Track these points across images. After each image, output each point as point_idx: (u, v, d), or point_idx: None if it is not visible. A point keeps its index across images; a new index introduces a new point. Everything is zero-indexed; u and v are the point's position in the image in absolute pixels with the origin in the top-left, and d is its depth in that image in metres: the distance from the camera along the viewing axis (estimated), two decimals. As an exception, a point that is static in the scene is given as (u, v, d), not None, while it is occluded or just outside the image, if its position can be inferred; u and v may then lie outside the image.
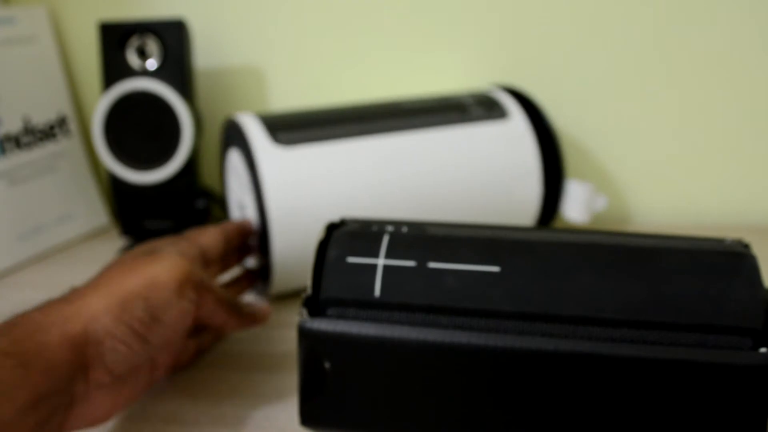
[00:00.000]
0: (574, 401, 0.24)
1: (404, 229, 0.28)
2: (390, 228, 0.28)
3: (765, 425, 0.24)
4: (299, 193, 0.46)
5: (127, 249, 0.61)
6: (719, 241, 0.27)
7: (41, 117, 0.64)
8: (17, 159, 0.61)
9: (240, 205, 0.53)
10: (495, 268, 0.26)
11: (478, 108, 0.52)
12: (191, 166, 0.59)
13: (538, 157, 0.51)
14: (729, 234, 0.32)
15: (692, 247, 0.26)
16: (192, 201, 0.60)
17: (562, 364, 0.24)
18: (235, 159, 0.52)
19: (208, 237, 0.42)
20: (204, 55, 0.66)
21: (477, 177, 0.50)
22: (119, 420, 0.37)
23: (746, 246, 0.27)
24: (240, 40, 0.66)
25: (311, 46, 0.65)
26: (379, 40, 0.64)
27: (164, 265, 0.33)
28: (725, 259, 0.25)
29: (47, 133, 0.64)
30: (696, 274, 0.25)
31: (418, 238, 0.27)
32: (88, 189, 0.68)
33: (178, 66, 0.58)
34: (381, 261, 0.27)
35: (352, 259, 0.27)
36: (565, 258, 0.26)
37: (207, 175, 0.69)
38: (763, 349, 0.24)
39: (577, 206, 0.53)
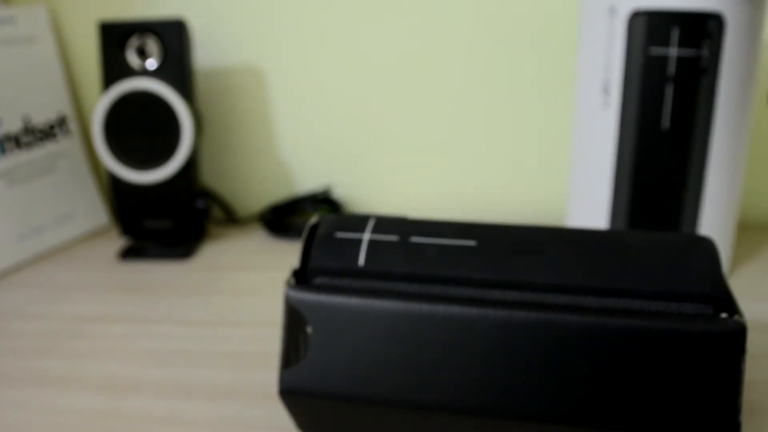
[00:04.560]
0: (544, 368, 0.26)
1: (391, 216, 0.31)
2: (375, 214, 0.31)
3: (734, 392, 0.24)
4: None
5: (126, 250, 0.61)
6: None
7: (41, 117, 0.64)
8: (17, 159, 0.61)
9: None
10: (472, 242, 0.28)
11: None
12: (191, 166, 0.59)
13: None
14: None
15: (653, 233, 0.28)
16: (192, 201, 0.60)
17: (533, 332, 0.26)
18: None
19: None
20: (204, 55, 0.66)
21: None
22: (118, 419, 0.37)
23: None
24: (240, 40, 0.66)
25: (311, 46, 0.65)
26: (380, 39, 0.64)
27: None
28: (685, 239, 0.27)
29: (47, 133, 0.64)
30: (658, 249, 0.27)
31: (403, 221, 0.30)
32: (88, 189, 0.68)
33: (178, 66, 0.58)
34: (366, 236, 0.29)
35: (339, 234, 0.29)
36: (536, 236, 0.28)
37: (207, 175, 0.69)
38: (723, 315, 0.25)
39: None
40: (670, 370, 0.25)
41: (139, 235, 0.61)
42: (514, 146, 0.66)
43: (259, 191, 0.70)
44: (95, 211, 0.68)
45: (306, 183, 0.70)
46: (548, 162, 0.65)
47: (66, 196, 0.65)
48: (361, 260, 0.28)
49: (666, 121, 0.45)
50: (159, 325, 0.48)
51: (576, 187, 0.52)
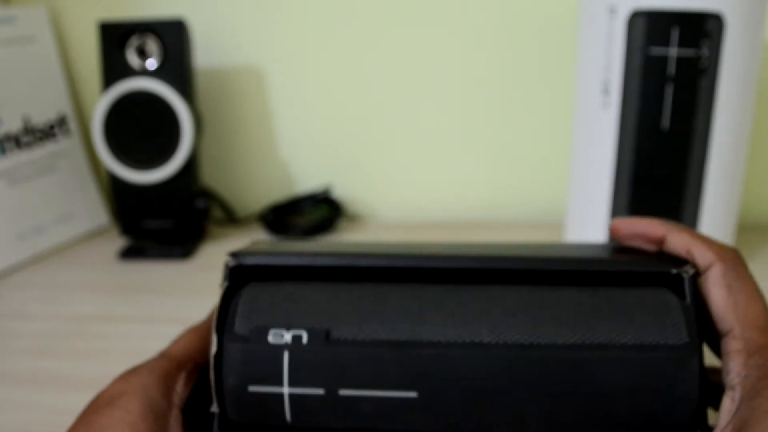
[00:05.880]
0: None
1: (304, 340, 0.24)
2: (287, 338, 0.25)
3: None
4: None
5: (126, 250, 0.61)
6: (665, 311, 0.25)
7: (41, 117, 0.64)
8: (17, 159, 0.61)
9: None
10: (412, 394, 0.24)
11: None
12: (191, 165, 0.59)
13: None
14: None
15: (630, 343, 0.24)
16: (192, 201, 0.60)
17: None
18: None
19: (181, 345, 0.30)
20: (204, 55, 0.66)
21: None
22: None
23: (692, 273, 0.25)
24: (240, 40, 0.66)
25: (311, 47, 0.65)
26: (380, 41, 0.64)
27: None
28: (666, 370, 0.23)
29: (47, 133, 0.64)
30: (631, 390, 0.23)
31: (323, 358, 0.24)
32: (88, 189, 0.68)
33: (178, 66, 0.58)
34: (286, 390, 0.24)
35: (253, 389, 0.25)
36: (487, 376, 0.24)
37: (207, 175, 0.69)
38: None
39: None
40: None
41: (139, 235, 0.61)
42: (513, 146, 0.66)
43: (259, 191, 0.70)
44: (95, 211, 0.68)
45: (306, 183, 0.70)
46: (548, 162, 0.65)
47: (66, 196, 0.65)
48: (288, 417, 0.25)
49: (666, 121, 0.45)
50: (159, 325, 0.48)
51: (576, 187, 0.52)
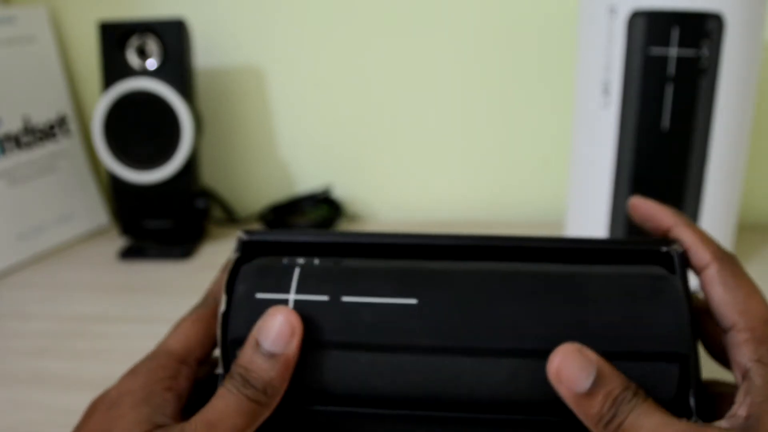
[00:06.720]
0: None
1: (316, 262, 0.26)
2: (301, 261, 0.27)
3: None
4: None
5: (126, 250, 0.61)
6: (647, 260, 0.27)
7: (41, 117, 0.64)
8: (17, 159, 0.61)
9: None
10: (412, 301, 0.25)
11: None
12: (191, 166, 0.59)
13: None
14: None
15: (615, 272, 0.26)
16: (192, 201, 0.60)
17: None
18: None
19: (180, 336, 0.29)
20: (204, 55, 0.66)
21: None
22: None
23: (681, 253, 0.26)
24: (240, 40, 0.66)
25: (311, 47, 0.65)
26: (380, 41, 0.64)
27: None
28: (648, 283, 0.25)
29: (47, 133, 0.64)
30: (619, 300, 0.25)
31: (331, 271, 0.26)
32: (88, 189, 0.68)
33: (178, 66, 0.58)
34: (292, 296, 0.25)
35: (260, 295, 0.25)
36: (485, 289, 0.25)
37: (207, 175, 0.69)
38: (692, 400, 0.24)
39: None
40: None
41: (139, 235, 0.61)
42: (514, 146, 0.66)
43: (259, 191, 0.70)
44: (95, 211, 0.68)
45: (306, 183, 0.70)
46: (548, 162, 0.65)
47: (66, 196, 0.65)
48: None
49: (666, 121, 0.45)
50: (159, 325, 0.48)
51: (576, 187, 0.52)
